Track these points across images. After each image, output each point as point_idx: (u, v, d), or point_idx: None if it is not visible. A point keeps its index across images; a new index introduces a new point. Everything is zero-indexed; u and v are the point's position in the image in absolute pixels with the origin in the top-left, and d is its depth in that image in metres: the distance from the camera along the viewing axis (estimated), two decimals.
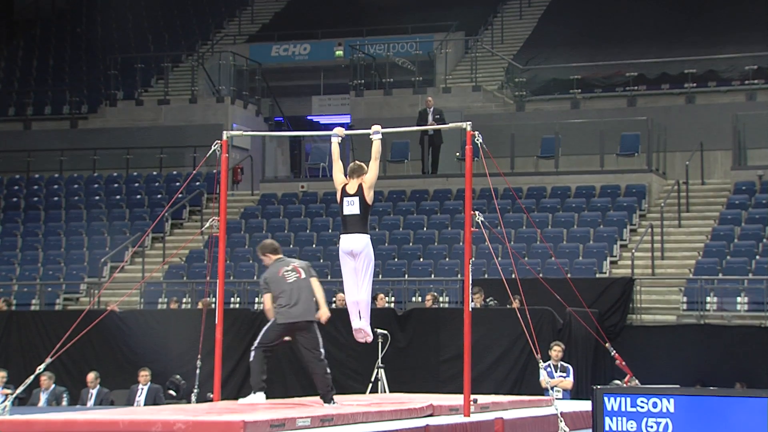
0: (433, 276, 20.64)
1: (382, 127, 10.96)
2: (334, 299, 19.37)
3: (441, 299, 19.21)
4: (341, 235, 10.90)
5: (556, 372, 15.04)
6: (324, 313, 10.83)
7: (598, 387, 8.21)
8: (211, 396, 11.76)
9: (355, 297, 10.87)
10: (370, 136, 10.83)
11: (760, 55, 24.92)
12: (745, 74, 24.88)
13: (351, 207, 10.64)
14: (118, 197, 26.11)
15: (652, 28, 27.94)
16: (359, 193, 10.60)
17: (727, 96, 24.91)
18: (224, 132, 11.77)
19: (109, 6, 35.82)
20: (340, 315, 17.76)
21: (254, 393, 10.80)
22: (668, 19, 28.31)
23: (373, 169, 10.68)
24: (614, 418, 7.96)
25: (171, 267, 22.62)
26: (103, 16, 35.20)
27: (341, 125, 11.78)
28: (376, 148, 10.80)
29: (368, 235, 10.76)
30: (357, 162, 10.80)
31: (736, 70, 25.00)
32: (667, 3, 29.13)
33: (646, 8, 29.03)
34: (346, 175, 10.78)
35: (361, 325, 10.94)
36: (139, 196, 26.00)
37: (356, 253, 10.66)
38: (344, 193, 10.68)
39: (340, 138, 10.91)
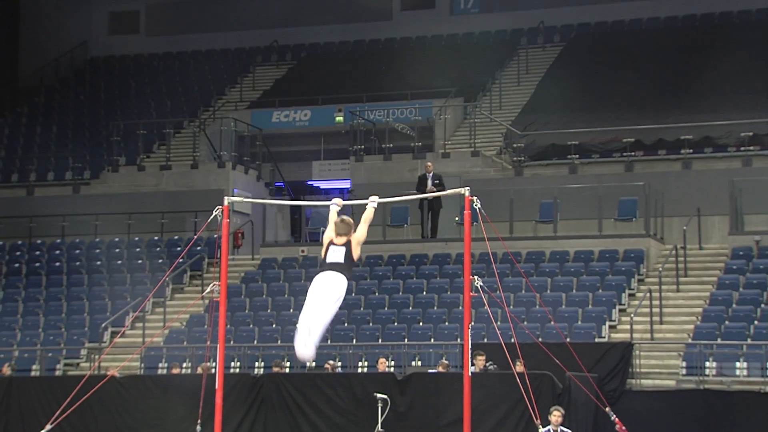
0: (432, 340, 20.59)
1: (382, 194, 11.02)
2: (327, 363, 19.32)
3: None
4: (317, 274, 10.66)
5: None
6: None
7: None
8: None
9: (309, 317, 10.42)
10: (367, 203, 10.82)
11: (756, 122, 25.06)
12: (740, 140, 25.00)
13: (335, 255, 10.46)
14: (119, 262, 26.10)
15: (648, 95, 28.15)
16: (347, 245, 10.53)
17: (723, 162, 25.01)
18: (225, 197, 11.84)
19: (111, 73, 36.16)
20: (340, 380, 17.74)
21: None
22: (664, 86, 28.54)
23: (361, 230, 10.66)
24: None
25: (171, 331, 22.57)
26: (105, 83, 35.49)
27: (341, 191, 11.81)
28: (369, 214, 10.80)
29: (346, 279, 10.49)
30: (344, 218, 10.70)
31: (732, 136, 25.12)
32: (663, 70, 29.38)
33: (642, 75, 29.28)
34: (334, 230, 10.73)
35: (306, 341, 10.40)
36: (140, 261, 26.00)
37: (327, 286, 10.42)
38: (331, 243, 10.61)
39: (339, 207, 10.92)
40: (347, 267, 10.48)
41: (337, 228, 10.59)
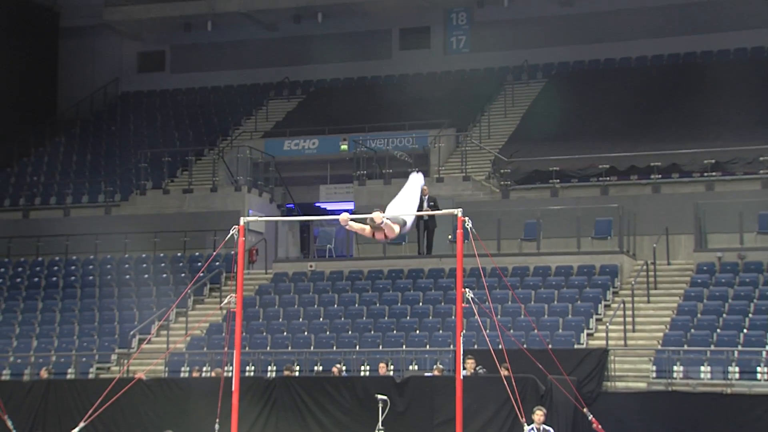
0: (428, 346, 20.53)
1: (383, 213, 10.90)
2: (335, 366, 19.26)
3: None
4: None
5: None
6: None
7: None
8: None
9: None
10: (384, 220, 10.67)
11: (717, 150, 25.06)
12: (704, 167, 24.97)
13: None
14: (146, 276, 26.07)
15: (621, 126, 28.15)
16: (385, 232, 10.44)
17: (688, 186, 24.99)
18: (241, 218, 11.81)
19: (140, 107, 36.22)
20: (345, 383, 17.69)
21: None
22: (636, 118, 28.55)
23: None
24: None
25: (193, 339, 22.52)
26: (134, 116, 35.54)
27: (346, 211, 11.76)
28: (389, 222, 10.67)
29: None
30: (372, 217, 10.55)
31: (697, 163, 25.10)
32: (634, 104, 29.42)
33: (616, 108, 29.31)
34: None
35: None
36: (165, 275, 25.96)
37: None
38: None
39: (348, 223, 10.80)
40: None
41: (371, 225, 10.51)
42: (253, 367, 20.72)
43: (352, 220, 10.76)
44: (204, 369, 20.63)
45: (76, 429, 11.99)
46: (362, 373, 19.72)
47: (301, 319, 22.64)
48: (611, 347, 19.30)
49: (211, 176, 29.50)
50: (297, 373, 19.75)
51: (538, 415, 15.02)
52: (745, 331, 19.43)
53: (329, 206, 31.23)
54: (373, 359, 19.99)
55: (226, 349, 16.93)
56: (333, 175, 30.84)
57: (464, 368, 16.36)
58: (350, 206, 28.17)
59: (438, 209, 22.42)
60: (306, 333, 21.88)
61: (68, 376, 21.69)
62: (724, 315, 20.10)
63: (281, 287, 24.39)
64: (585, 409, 14.16)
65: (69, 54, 37.04)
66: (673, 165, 25.32)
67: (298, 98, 35.07)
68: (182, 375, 20.83)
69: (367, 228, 10.53)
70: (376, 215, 10.64)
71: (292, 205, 30.72)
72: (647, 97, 29.65)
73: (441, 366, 18.54)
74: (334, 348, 20.98)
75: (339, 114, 31.84)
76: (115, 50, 37.40)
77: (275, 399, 17.70)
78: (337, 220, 10.92)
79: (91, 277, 26.47)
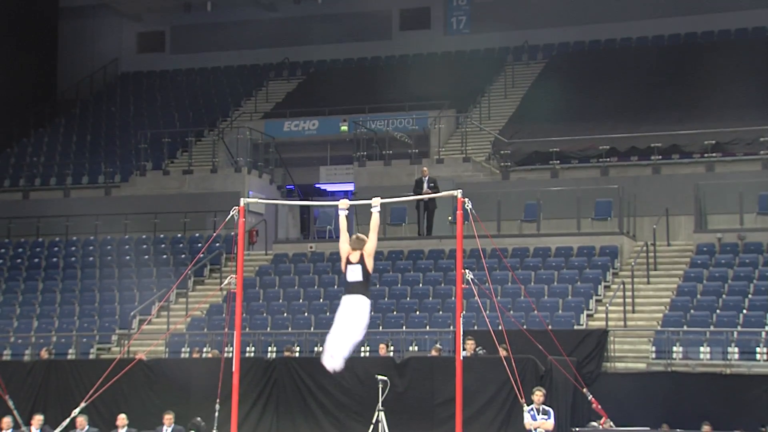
0: (428, 327, 20.55)
1: (383, 195, 10.96)
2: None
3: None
4: (344, 296, 10.74)
5: (538, 415, 14.90)
6: None
7: (577, 429, 8.14)
8: None
9: (339, 337, 10.59)
10: (371, 209, 10.77)
11: (718, 131, 25.02)
12: (704, 148, 24.95)
13: (354, 274, 10.51)
14: (146, 257, 26.08)
15: (621, 107, 28.09)
16: (361, 261, 10.48)
17: (688, 167, 24.97)
18: (241, 199, 11.80)
19: (139, 88, 36.14)
20: (347, 365, 17.69)
21: None
22: (636, 99, 28.49)
23: (372, 239, 10.54)
24: None
25: (193, 319, 22.54)
26: (134, 97, 35.47)
27: (346, 194, 11.79)
28: (375, 220, 10.67)
29: (368, 300, 10.61)
30: (359, 235, 10.69)
31: (697, 144, 25.07)
32: (635, 85, 29.34)
33: (617, 89, 29.24)
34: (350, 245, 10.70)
35: (331, 360, 10.52)
36: (165, 256, 25.97)
37: (354, 311, 10.52)
38: (348, 262, 10.57)
39: (346, 211, 10.84)
40: (365, 284, 10.52)
41: (353, 244, 10.57)
42: (253, 348, 20.74)
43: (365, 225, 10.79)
44: (204, 350, 20.65)
45: (77, 409, 12.00)
46: (362, 354, 19.73)
47: (301, 300, 22.65)
48: (611, 328, 19.31)
49: (211, 157, 29.47)
50: (297, 354, 19.77)
51: (538, 395, 15.04)
52: (744, 311, 19.44)
53: (329, 187, 31.21)
54: (373, 340, 20.01)
55: (226, 330, 16.94)
56: (333, 156, 30.80)
57: (464, 349, 16.37)
58: (350, 187, 28.16)
59: (438, 190, 22.41)
60: (306, 314, 21.90)
61: (69, 357, 21.72)
62: (724, 296, 20.11)
63: (281, 268, 24.40)
64: (584, 390, 14.18)
65: (69, 34, 36.95)
66: (673, 146, 25.29)
67: (298, 79, 35.00)
68: (183, 356, 20.85)
69: (347, 246, 10.53)
70: (375, 200, 10.70)
71: (292, 186, 30.69)
72: (647, 77, 29.58)
73: (439, 346, 18.55)
74: None
75: (339, 95, 31.76)
76: (115, 31, 37.31)
77: (275, 380, 17.73)
78: (341, 209, 10.91)
79: (91, 258, 26.48)
